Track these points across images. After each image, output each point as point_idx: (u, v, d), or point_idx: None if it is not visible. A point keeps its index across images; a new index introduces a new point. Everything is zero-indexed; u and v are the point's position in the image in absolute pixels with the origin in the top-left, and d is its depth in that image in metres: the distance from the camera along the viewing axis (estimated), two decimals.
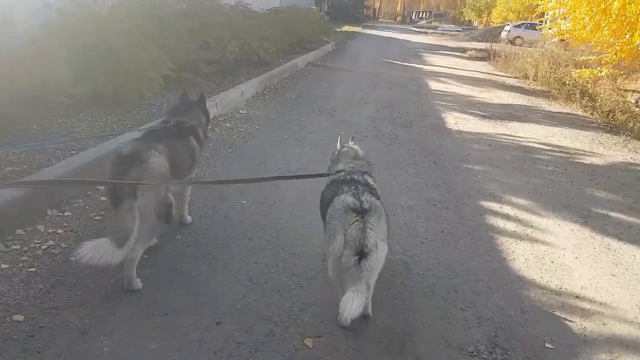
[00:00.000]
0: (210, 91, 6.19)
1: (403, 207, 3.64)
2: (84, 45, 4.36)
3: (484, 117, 7.31)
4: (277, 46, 9.85)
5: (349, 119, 6.39)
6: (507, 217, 3.64)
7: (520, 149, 5.57)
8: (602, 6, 8.07)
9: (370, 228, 1.88)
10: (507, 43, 24.79)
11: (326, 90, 8.56)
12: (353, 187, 2.10)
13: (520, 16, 31.45)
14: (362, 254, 1.83)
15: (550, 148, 5.75)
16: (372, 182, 2.31)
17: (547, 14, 10.70)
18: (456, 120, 6.89)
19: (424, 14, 78.67)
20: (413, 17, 75.61)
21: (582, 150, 5.73)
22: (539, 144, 5.91)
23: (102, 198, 3.12)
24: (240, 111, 6.13)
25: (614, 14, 7.78)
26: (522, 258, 3.01)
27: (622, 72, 11.03)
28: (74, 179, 2.99)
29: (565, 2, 9.30)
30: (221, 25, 6.95)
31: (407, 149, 5.22)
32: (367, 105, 7.59)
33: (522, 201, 3.97)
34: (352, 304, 1.72)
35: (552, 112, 8.25)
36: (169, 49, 5.54)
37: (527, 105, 8.64)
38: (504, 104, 8.59)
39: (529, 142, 5.96)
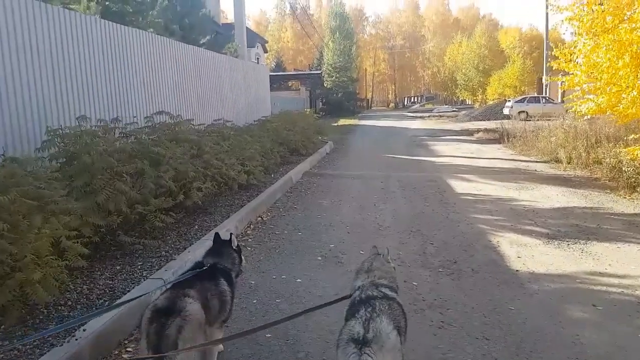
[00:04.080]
0: (163, 254, 4.30)
1: None
2: None
3: (548, 237, 5.32)
4: (266, 162, 8.25)
5: None
6: None
7: None
8: None
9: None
10: (511, 119, 23.77)
11: (328, 212, 6.72)
12: (369, 308, 2.00)
13: (517, 90, 31.14)
14: None
15: None
16: (390, 294, 2.21)
17: (575, 89, 9.20)
18: (517, 250, 4.88)
19: (416, 98, 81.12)
20: (405, 103, 77.73)
21: None
22: None
23: None
24: None
25: None
26: None
27: None
28: None
29: (600, 75, 7.83)
30: (186, 157, 5.28)
31: (474, 339, 3.12)
32: (385, 232, 5.68)
33: None
34: None
35: (627, 214, 6.26)
36: (92, 210, 3.76)
37: (590, 208, 6.69)
38: (559, 209, 6.66)
39: None
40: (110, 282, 3.66)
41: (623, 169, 8.02)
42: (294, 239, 5.43)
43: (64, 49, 5.45)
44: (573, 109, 9.98)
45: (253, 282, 4.15)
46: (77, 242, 3.31)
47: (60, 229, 2.99)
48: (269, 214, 6.55)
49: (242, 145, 7.48)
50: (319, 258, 4.79)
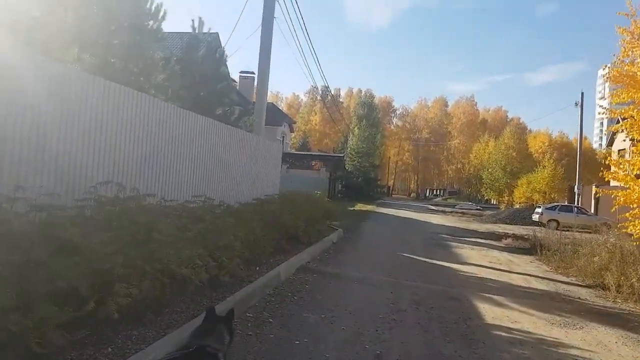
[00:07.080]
0: None
1: None
2: None
3: None
4: (248, 253, 6.75)
5: None
6: None
7: None
8: None
9: None
10: (540, 226, 22.01)
11: (312, 337, 5.02)
12: None
13: (546, 197, 29.56)
14: None
15: None
16: None
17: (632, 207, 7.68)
18: None
19: (438, 190, 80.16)
20: (427, 194, 76.67)
21: None
22: None
23: None
24: None
25: None
26: None
27: None
28: None
29: None
30: (113, 247, 3.85)
31: None
32: None
33: None
34: None
35: None
36: None
37: None
38: None
39: None
40: None
41: None
42: None
43: None
44: (629, 229, 8.35)
45: None
46: None
47: None
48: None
49: (220, 230, 6.07)
50: None
